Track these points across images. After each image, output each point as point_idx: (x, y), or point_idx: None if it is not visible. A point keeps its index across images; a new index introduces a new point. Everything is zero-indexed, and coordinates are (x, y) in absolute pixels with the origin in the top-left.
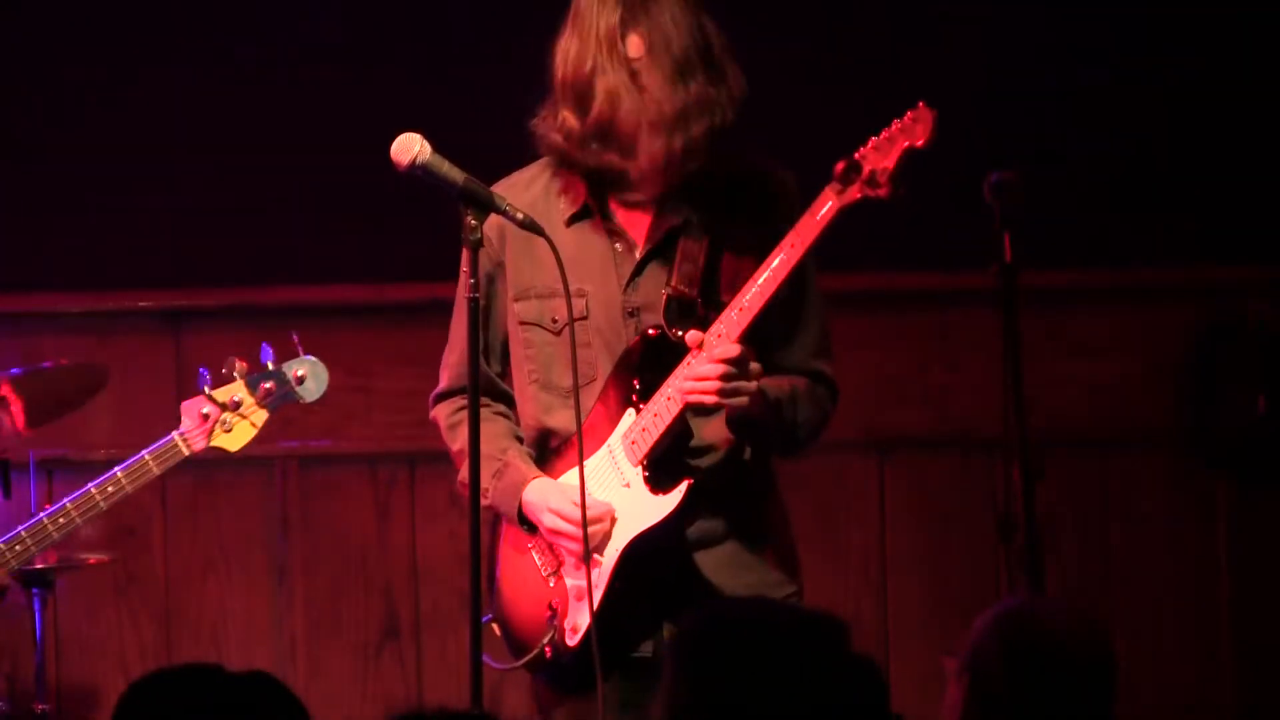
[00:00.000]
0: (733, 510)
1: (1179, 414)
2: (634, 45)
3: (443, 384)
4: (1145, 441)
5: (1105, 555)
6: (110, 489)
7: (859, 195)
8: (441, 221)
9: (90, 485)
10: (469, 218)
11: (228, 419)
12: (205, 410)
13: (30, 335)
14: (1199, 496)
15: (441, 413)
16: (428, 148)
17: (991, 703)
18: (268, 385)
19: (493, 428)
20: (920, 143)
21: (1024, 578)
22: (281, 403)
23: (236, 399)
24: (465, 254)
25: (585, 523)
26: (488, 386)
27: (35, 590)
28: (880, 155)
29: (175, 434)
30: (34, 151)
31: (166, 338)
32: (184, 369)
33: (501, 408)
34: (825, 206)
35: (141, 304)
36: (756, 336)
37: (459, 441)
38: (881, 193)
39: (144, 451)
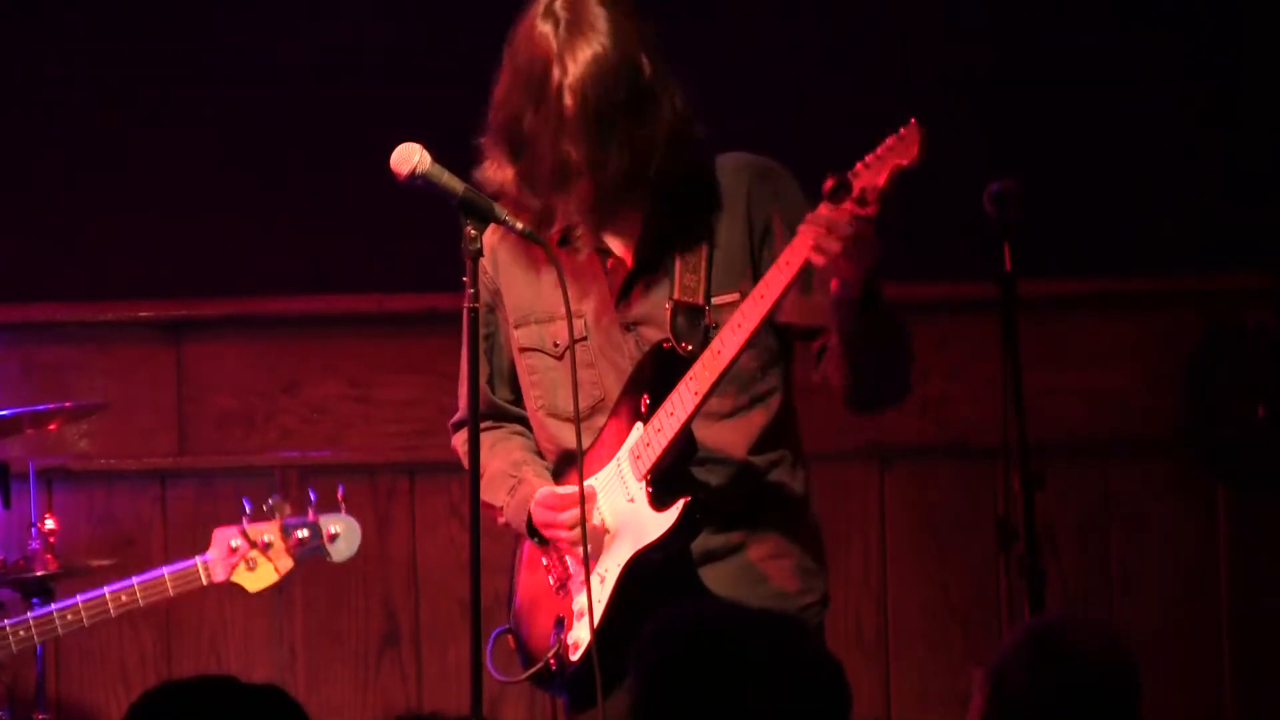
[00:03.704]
0: (748, 522)
1: (1179, 422)
2: (566, 91)
3: (460, 412)
4: (1145, 449)
5: (1105, 563)
6: (124, 598)
7: (849, 214)
8: (441, 232)
9: (105, 590)
10: (469, 228)
11: (254, 558)
12: (235, 543)
13: (30, 345)
14: (1199, 504)
15: (459, 441)
16: (427, 157)
17: (1012, 716)
18: (301, 535)
19: (509, 444)
20: (908, 161)
21: (1024, 586)
22: (310, 555)
23: (267, 540)
24: (468, 265)
25: (585, 542)
26: (497, 413)
27: (35, 600)
28: (870, 173)
29: (198, 559)
30: (34, 161)
31: (167, 348)
32: (185, 379)
33: (518, 427)
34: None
35: (142, 314)
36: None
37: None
38: (870, 211)
39: (164, 569)
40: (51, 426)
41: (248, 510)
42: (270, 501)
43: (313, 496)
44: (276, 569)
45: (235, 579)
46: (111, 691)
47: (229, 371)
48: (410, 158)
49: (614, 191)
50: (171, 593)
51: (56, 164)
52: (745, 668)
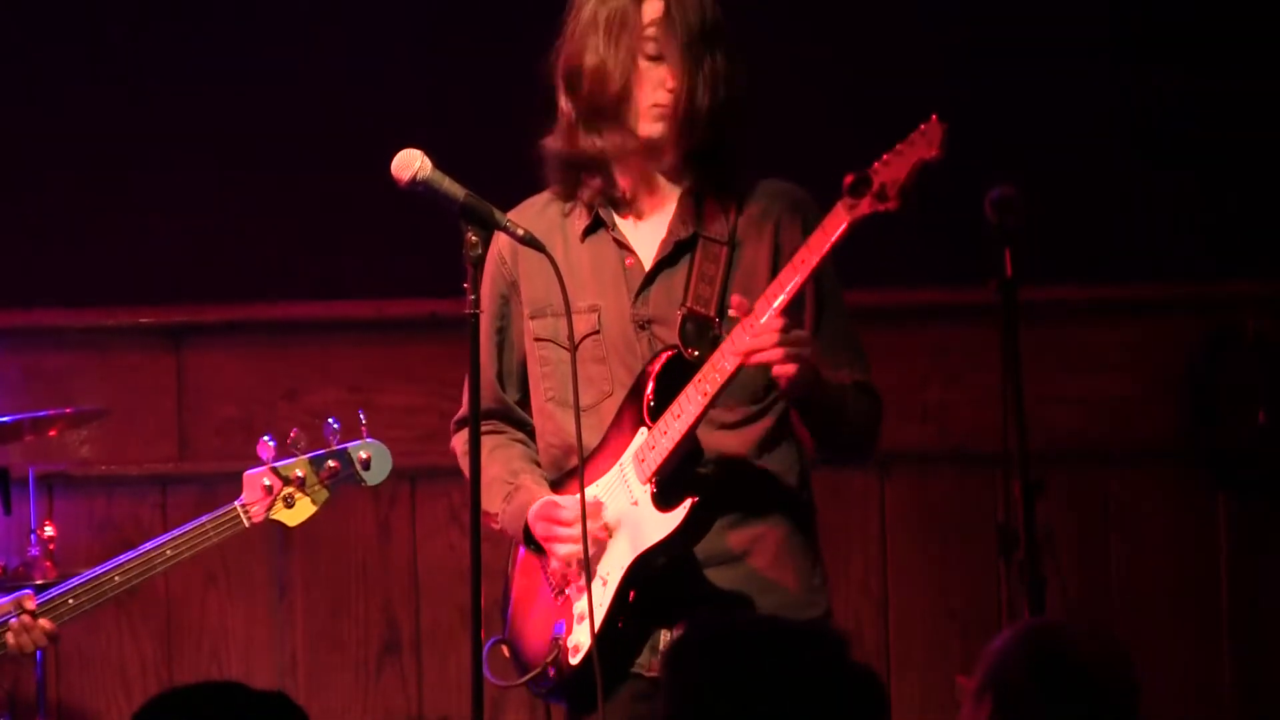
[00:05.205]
0: (751, 528)
1: (1179, 428)
2: (650, 10)
3: (463, 410)
4: (1145, 455)
5: (1106, 569)
6: (169, 551)
7: (869, 210)
8: (442, 238)
9: (146, 546)
10: (470, 234)
11: (290, 494)
12: (267, 483)
13: (31, 351)
14: (1199, 510)
15: (459, 440)
16: (428, 163)
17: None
18: (332, 465)
19: (509, 452)
20: (931, 155)
21: (1025, 591)
22: (344, 483)
23: (300, 475)
24: (469, 271)
25: (585, 539)
26: (505, 414)
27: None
28: (890, 169)
29: (236, 503)
30: (35, 167)
31: (168, 353)
32: (185, 385)
33: (520, 435)
34: (835, 222)
35: (143, 320)
36: None
37: None
38: (891, 206)
39: (203, 517)
40: (52, 432)
41: (272, 449)
42: (291, 437)
43: (335, 425)
44: (313, 501)
45: (274, 516)
46: (112, 698)
47: (229, 377)
48: (411, 164)
49: (700, 126)
50: (215, 539)
51: (58, 169)
52: (784, 680)
